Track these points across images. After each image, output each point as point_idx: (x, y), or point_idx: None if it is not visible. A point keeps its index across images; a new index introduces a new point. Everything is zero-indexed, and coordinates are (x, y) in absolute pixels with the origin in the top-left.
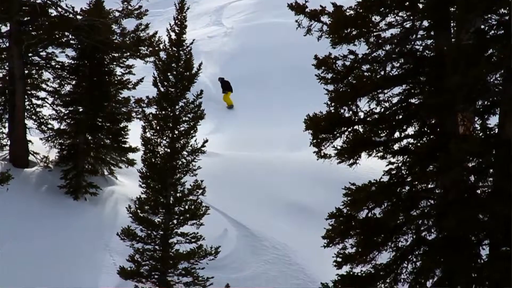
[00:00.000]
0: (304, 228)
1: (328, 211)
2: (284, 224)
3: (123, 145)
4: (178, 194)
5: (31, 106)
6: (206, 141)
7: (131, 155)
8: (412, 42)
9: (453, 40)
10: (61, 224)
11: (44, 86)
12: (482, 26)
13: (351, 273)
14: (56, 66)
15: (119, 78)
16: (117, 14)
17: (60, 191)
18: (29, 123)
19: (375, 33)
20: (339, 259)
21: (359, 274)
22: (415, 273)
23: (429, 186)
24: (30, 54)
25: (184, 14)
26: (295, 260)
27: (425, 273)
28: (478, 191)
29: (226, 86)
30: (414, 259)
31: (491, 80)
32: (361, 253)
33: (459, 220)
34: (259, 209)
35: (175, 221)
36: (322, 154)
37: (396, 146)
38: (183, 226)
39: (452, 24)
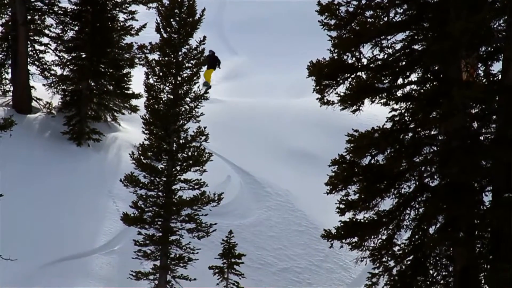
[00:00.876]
0: (307, 174)
1: (331, 157)
2: (287, 171)
3: (126, 91)
4: (181, 141)
5: (34, 52)
6: (209, 87)
7: (134, 102)
8: None
9: None
10: (64, 170)
11: (46, 32)
12: None
13: (354, 219)
14: (59, 11)
15: (121, 24)
16: None
17: (63, 137)
18: (32, 69)
19: None
20: (342, 206)
21: (362, 220)
22: (417, 220)
23: (432, 132)
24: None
25: None
26: (297, 206)
27: (427, 219)
28: (481, 138)
29: (212, 62)
30: (417, 206)
31: (495, 26)
32: (364, 200)
33: (461, 167)
34: (262, 155)
35: (178, 168)
36: (325, 100)
37: (399, 93)
38: (186, 173)
39: None
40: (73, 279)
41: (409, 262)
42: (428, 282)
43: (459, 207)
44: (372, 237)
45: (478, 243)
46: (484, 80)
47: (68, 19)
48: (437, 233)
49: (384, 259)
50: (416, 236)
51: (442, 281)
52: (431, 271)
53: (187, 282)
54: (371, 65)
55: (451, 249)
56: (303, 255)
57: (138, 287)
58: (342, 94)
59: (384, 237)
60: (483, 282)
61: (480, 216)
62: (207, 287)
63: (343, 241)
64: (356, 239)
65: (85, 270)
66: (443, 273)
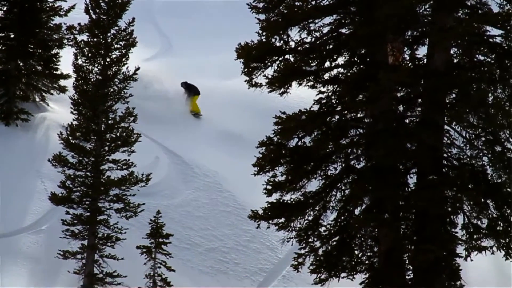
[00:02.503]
0: (235, 156)
1: (259, 139)
2: (216, 152)
3: (54, 72)
4: (109, 121)
5: None
6: (138, 68)
7: (62, 82)
8: None
9: None
10: None
11: None
12: None
13: (281, 200)
14: None
15: (50, 4)
16: None
17: None
18: None
19: None
20: (269, 187)
21: (289, 201)
22: (343, 201)
23: (359, 115)
24: None
25: None
26: (225, 187)
27: (353, 201)
28: (407, 121)
29: (191, 90)
30: (343, 187)
31: (421, 10)
32: (291, 181)
33: (387, 149)
34: (190, 137)
35: (106, 148)
36: (254, 83)
37: (326, 76)
38: (114, 153)
39: None
40: (0, 258)
41: (334, 243)
42: (353, 263)
43: (385, 189)
44: (299, 218)
45: (403, 225)
46: (410, 64)
47: None
48: (363, 214)
49: (310, 240)
50: (342, 217)
51: (367, 262)
52: (356, 252)
53: (115, 262)
54: (299, 48)
55: (376, 230)
56: (230, 235)
57: None
58: (270, 76)
59: (310, 218)
60: (407, 263)
61: (405, 198)
62: (135, 266)
63: (270, 221)
64: (282, 219)
65: (13, 249)
66: (368, 254)
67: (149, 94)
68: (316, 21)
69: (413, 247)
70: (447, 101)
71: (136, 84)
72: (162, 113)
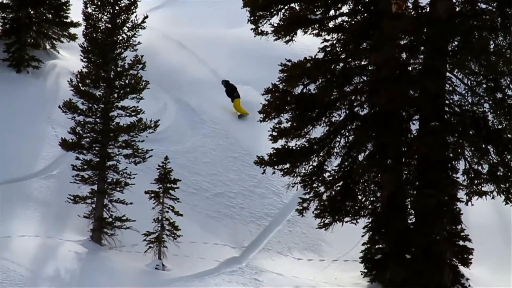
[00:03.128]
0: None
1: (265, 86)
2: (222, 99)
3: (64, 20)
4: (118, 69)
5: None
6: (146, 17)
7: (72, 30)
8: None
9: None
10: (4, 96)
11: None
12: None
13: (286, 146)
14: None
15: None
16: None
17: (2, 64)
18: None
19: None
20: (274, 133)
21: (294, 147)
22: (347, 147)
23: (363, 63)
24: None
25: None
26: (232, 133)
27: (357, 147)
28: (409, 68)
29: (232, 91)
30: (347, 134)
31: None
32: (296, 128)
33: (390, 96)
34: (197, 84)
35: (115, 95)
36: (260, 31)
37: (331, 24)
38: (123, 100)
39: None
40: (12, 202)
41: (338, 188)
42: (356, 207)
43: (388, 135)
44: (304, 163)
45: (405, 170)
46: (412, 12)
47: None
48: (366, 160)
49: (314, 185)
50: (346, 163)
51: (370, 206)
52: (359, 197)
53: (124, 206)
54: None
55: (379, 175)
56: (237, 180)
57: None
58: (275, 25)
59: (315, 164)
60: (409, 207)
61: (408, 144)
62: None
63: (275, 167)
64: (288, 165)
65: (24, 193)
66: (371, 199)
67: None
68: None
69: (415, 192)
70: (449, 48)
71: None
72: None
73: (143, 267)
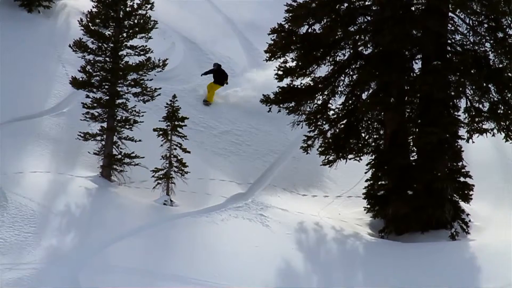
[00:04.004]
0: (247, 43)
1: (271, 26)
2: (229, 40)
3: None
4: (127, 9)
5: None
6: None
7: None
8: None
9: None
10: (15, 36)
11: None
12: None
13: (292, 85)
14: None
15: None
16: None
17: (14, 4)
18: None
19: None
20: (280, 72)
21: (299, 86)
22: (351, 86)
23: (367, 3)
24: None
25: None
26: (238, 72)
27: (361, 85)
28: (412, 8)
29: (218, 77)
30: (351, 73)
31: None
32: (301, 67)
33: (393, 36)
34: (205, 25)
35: (124, 34)
36: None
37: None
38: (132, 39)
39: None
40: (24, 139)
41: (342, 126)
42: (360, 145)
43: (391, 74)
44: (308, 102)
45: (408, 108)
46: None
47: None
48: (370, 98)
49: (319, 123)
50: (350, 101)
51: (373, 144)
52: (363, 134)
53: (133, 143)
54: None
55: (382, 113)
56: (243, 118)
57: None
58: None
59: (319, 102)
60: (411, 144)
61: (411, 82)
62: (152, 148)
63: (281, 105)
64: (293, 103)
65: (36, 130)
66: (374, 136)
67: None
68: None
69: (417, 129)
70: None
71: None
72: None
73: (151, 202)
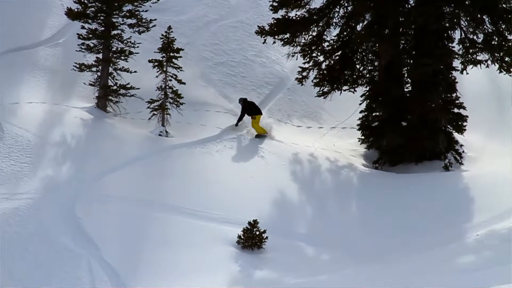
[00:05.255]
0: None
1: None
2: None
3: None
4: None
5: None
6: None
7: None
8: None
9: None
10: None
11: None
12: None
13: (286, 17)
14: None
15: None
16: None
17: None
18: None
19: None
20: (275, 4)
21: (294, 18)
22: (346, 17)
23: None
24: None
25: None
26: (233, 3)
27: (355, 17)
28: None
29: (251, 108)
30: (346, 4)
31: None
32: None
33: None
34: None
35: None
36: None
37: None
38: None
39: None
40: (20, 70)
41: (337, 57)
42: (354, 76)
43: (386, 5)
44: (303, 33)
45: (402, 40)
46: None
47: None
48: (364, 30)
49: (314, 55)
50: (345, 33)
51: (367, 75)
52: (357, 66)
53: (128, 74)
54: None
55: (377, 45)
56: (238, 50)
57: None
58: None
59: (314, 34)
60: (406, 76)
61: (405, 14)
62: (147, 79)
63: (276, 37)
64: (288, 35)
65: (31, 61)
66: (369, 68)
67: None
68: None
69: (411, 61)
70: None
71: None
72: None
73: (147, 133)
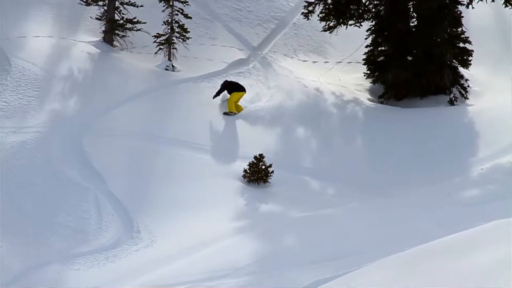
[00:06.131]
0: None
1: None
2: None
3: None
4: None
5: None
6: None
7: None
8: None
9: None
10: None
11: None
12: None
13: None
14: None
15: None
16: None
17: None
18: None
19: None
20: None
21: None
22: None
23: None
24: None
25: None
26: None
27: None
28: None
29: (232, 87)
30: None
31: None
32: None
33: None
34: None
35: None
36: None
37: None
38: None
39: None
40: (26, 3)
41: None
42: (360, 11)
43: None
44: None
45: None
46: None
47: None
48: None
49: None
50: None
51: (373, 10)
52: (363, 0)
53: (135, 9)
54: None
55: None
56: None
57: None
58: None
59: None
60: (411, 10)
61: None
62: (154, 14)
63: None
64: None
65: None
66: (375, 2)
67: None
68: None
69: None
70: None
71: None
72: None
73: (153, 67)
